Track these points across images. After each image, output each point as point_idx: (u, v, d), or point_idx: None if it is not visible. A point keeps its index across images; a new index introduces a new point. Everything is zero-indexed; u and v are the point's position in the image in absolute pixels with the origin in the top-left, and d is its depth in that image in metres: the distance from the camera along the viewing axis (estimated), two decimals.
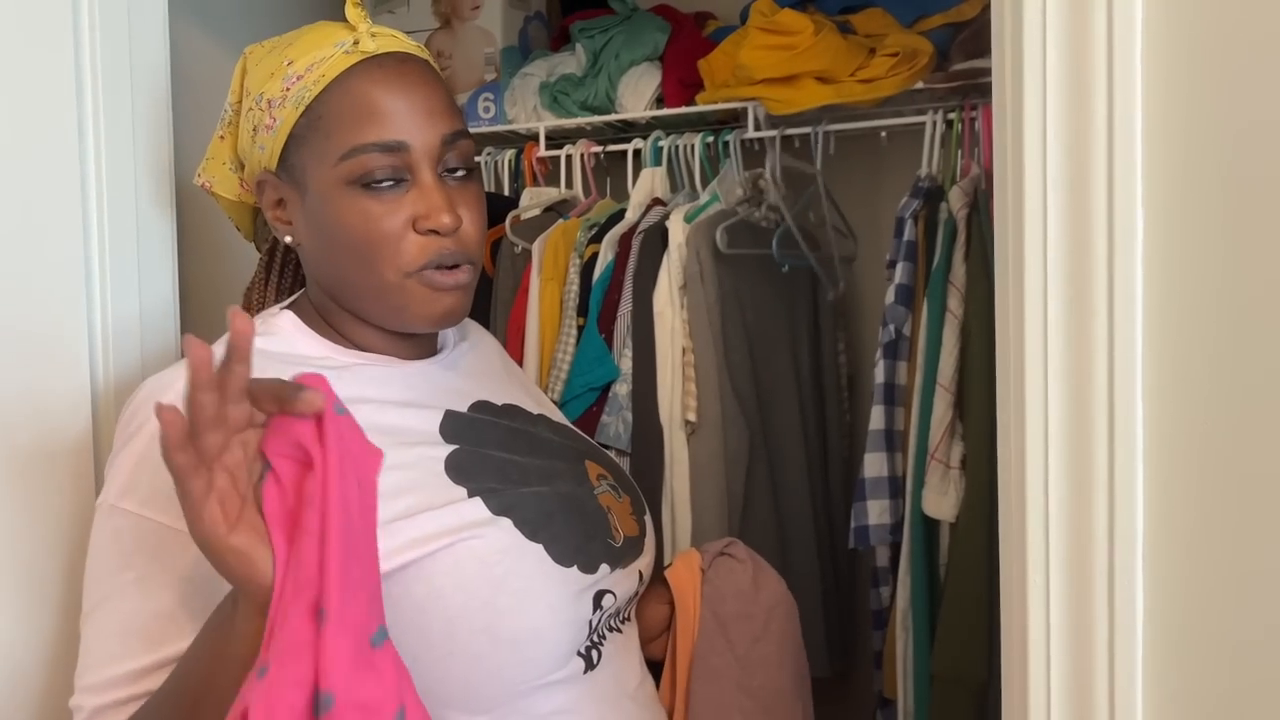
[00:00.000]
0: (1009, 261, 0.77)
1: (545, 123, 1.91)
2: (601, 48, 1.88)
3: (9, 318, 1.01)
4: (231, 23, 1.60)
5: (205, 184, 1.02)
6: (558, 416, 1.11)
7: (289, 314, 0.95)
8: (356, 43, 0.90)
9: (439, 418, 0.94)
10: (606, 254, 1.67)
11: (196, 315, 1.40)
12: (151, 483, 0.82)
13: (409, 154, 0.89)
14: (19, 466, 1.03)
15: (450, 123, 0.91)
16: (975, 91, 1.57)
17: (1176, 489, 0.71)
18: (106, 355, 1.11)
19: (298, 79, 0.90)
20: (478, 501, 0.88)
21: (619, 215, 1.75)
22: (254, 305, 1.04)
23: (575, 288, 1.68)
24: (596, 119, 1.87)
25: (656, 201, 1.76)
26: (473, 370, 1.04)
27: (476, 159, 0.96)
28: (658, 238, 1.65)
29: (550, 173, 1.94)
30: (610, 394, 1.60)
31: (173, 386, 0.84)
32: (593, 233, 1.73)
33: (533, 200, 1.85)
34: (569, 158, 1.88)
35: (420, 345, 0.99)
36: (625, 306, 1.62)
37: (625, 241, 1.67)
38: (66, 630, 1.05)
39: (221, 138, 1.01)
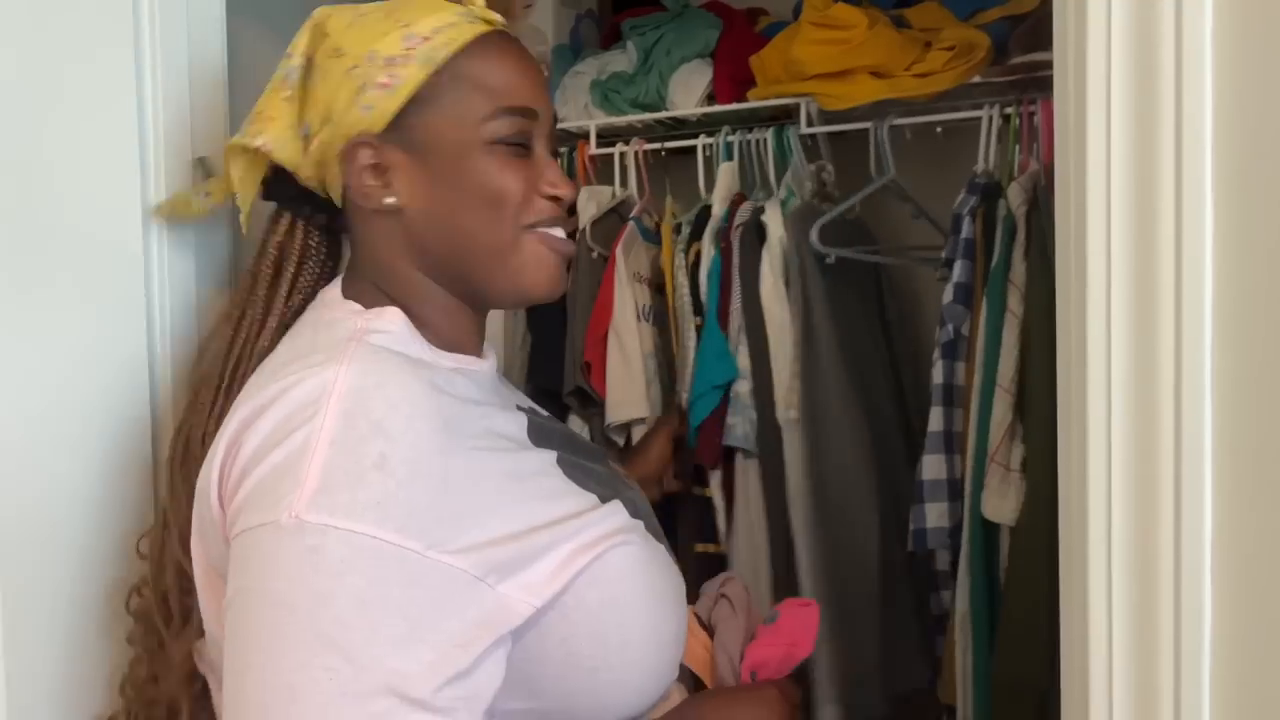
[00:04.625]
0: (1071, 260, 0.75)
1: (596, 120, 1.90)
2: (653, 45, 1.88)
3: (69, 302, 1.03)
4: (287, 19, 1.61)
5: (264, 145, 0.93)
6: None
7: (398, 311, 0.91)
8: (469, 14, 0.92)
9: (524, 422, 0.94)
10: (709, 250, 1.66)
11: None
12: (354, 494, 0.73)
13: (538, 123, 0.92)
14: (78, 452, 1.04)
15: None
16: (1034, 86, 1.54)
17: (1246, 492, 0.69)
18: (165, 343, 1.13)
19: (423, 40, 0.89)
20: (618, 505, 0.89)
21: (705, 212, 1.74)
22: (256, 316, 0.96)
23: (685, 288, 1.67)
24: (647, 116, 1.87)
25: (740, 196, 1.74)
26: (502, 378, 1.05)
27: None
28: (755, 232, 1.64)
29: (601, 170, 1.93)
30: (731, 394, 1.59)
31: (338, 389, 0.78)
32: (688, 232, 1.72)
33: (590, 199, 1.85)
34: (621, 156, 1.87)
35: (480, 345, 0.99)
36: (735, 303, 1.62)
37: (726, 238, 1.66)
38: (116, 616, 1.06)
39: (287, 99, 0.94)
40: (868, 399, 1.65)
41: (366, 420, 0.76)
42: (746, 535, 1.62)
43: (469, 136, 0.89)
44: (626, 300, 1.68)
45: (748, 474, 1.61)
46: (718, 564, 1.64)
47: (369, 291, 0.94)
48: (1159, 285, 0.70)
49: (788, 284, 1.60)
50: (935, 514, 1.48)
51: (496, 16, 0.93)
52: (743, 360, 1.59)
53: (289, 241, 0.98)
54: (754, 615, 1.03)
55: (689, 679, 0.98)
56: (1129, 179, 0.70)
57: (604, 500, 0.88)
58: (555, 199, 0.92)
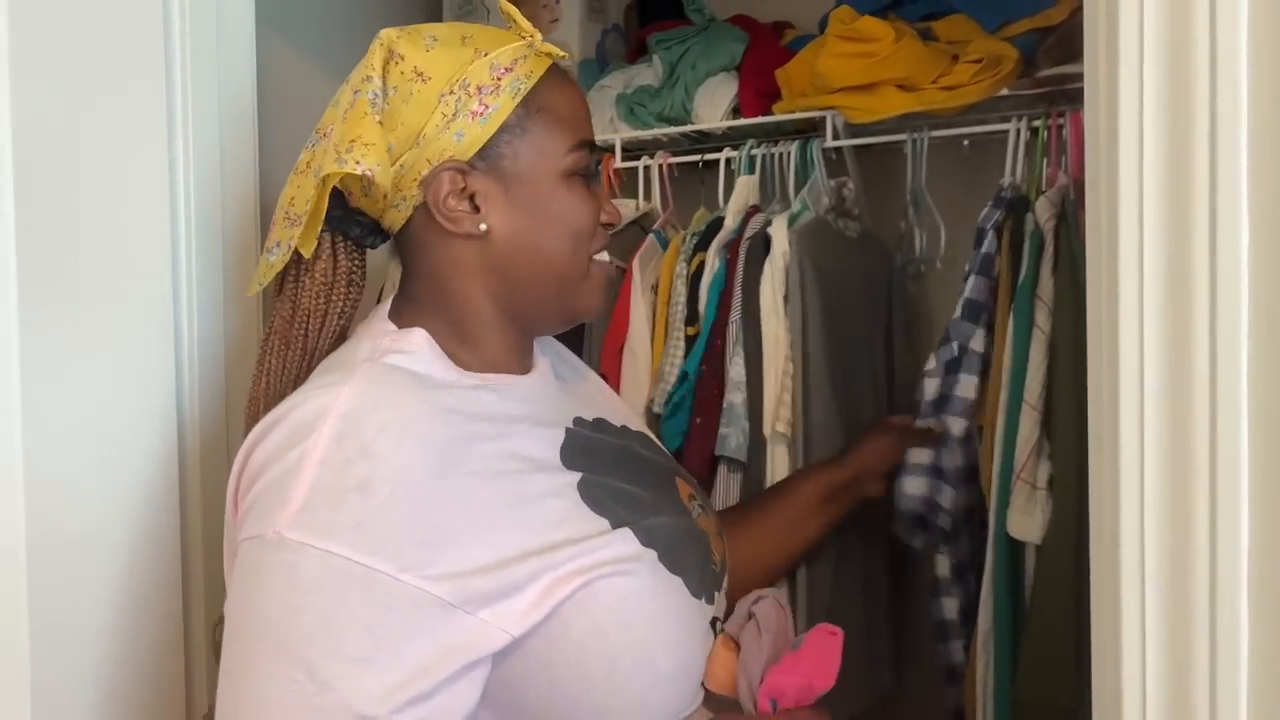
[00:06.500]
0: (1103, 276, 0.73)
1: (621, 134, 1.90)
2: (678, 59, 1.87)
3: (97, 344, 1.03)
4: (312, 36, 1.62)
5: (367, 172, 0.87)
6: (637, 424, 1.10)
7: (423, 332, 0.92)
8: (531, 45, 0.94)
9: (560, 438, 0.94)
10: (714, 262, 1.65)
11: None
12: (333, 515, 0.76)
13: (595, 155, 0.99)
14: (106, 496, 1.04)
15: None
16: (1063, 98, 1.52)
17: None
18: (192, 382, 1.13)
19: (506, 70, 0.91)
20: (627, 533, 0.88)
21: (717, 223, 1.73)
22: (310, 342, 0.96)
23: (682, 298, 1.66)
24: (672, 130, 1.86)
25: (754, 209, 1.74)
26: (563, 384, 1.04)
27: None
28: (762, 245, 1.63)
29: (625, 184, 1.93)
30: (726, 404, 1.57)
31: (331, 412, 0.80)
32: (694, 242, 1.71)
33: None
34: (647, 169, 1.87)
35: (527, 361, 1.00)
36: (734, 314, 1.61)
37: (733, 249, 1.65)
38: (139, 646, 1.06)
39: (379, 122, 0.89)
40: (856, 415, 1.64)
41: (356, 443, 0.78)
42: None
43: (552, 168, 0.93)
44: (641, 313, 1.68)
45: (730, 486, 1.59)
46: None
47: (414, 311, 0.95)
48: (1193, 301, 0.68)
49: (786, 299, 1.59)
50: (914, 485, 1.45)
51: (558, 50, 0.96)
52: (737, 372, 1.58)
53: (333, 264, 0.95)
54: (785, 637, 1.00)
55: (726, 705, 0.96)
56: (1162, 193, 0.69)
57: (616, 526, 0.87)
58: (608, 225, 0.98)
